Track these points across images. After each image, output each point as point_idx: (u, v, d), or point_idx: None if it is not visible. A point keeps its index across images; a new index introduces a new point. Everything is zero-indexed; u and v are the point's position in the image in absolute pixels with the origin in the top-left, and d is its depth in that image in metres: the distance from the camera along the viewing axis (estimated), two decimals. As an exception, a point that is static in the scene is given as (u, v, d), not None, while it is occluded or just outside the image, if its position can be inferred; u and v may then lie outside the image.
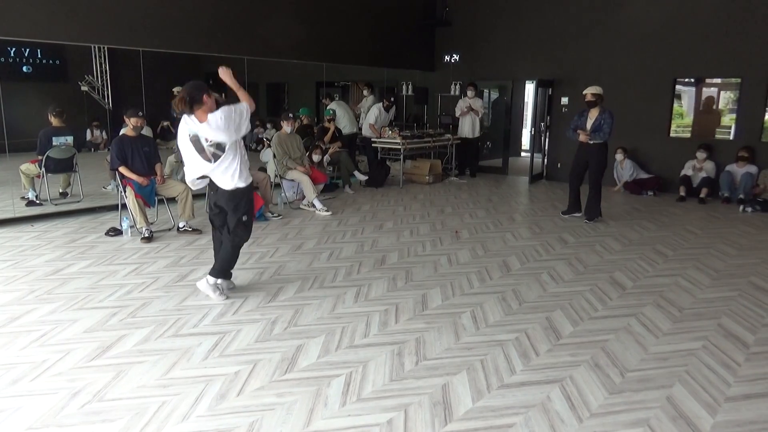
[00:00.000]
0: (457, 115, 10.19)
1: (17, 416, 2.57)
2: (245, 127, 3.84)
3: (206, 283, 4.09)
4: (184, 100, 3.67)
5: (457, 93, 10.79)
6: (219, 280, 4.12)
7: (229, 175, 3.88)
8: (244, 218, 4.00)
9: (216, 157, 3.81)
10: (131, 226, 5.78)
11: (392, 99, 9.84)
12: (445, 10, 10.99)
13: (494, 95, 12.05)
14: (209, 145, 3.78)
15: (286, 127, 7.18)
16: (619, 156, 8.92)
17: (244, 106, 3.81)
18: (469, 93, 10.04)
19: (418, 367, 3.09)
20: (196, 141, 3.78)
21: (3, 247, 5.35)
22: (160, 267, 4.81)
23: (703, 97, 9.06)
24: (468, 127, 10.07)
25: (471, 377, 2.98)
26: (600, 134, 6.52)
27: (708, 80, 8.94)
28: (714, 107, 9.08)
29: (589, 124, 6.62)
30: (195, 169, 3.89)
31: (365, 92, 10.59)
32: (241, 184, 3.92)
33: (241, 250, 4.18)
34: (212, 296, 4.08)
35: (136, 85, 7.25)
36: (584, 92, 6.67)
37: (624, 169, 8.97)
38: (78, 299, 4.04)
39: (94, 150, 8.21)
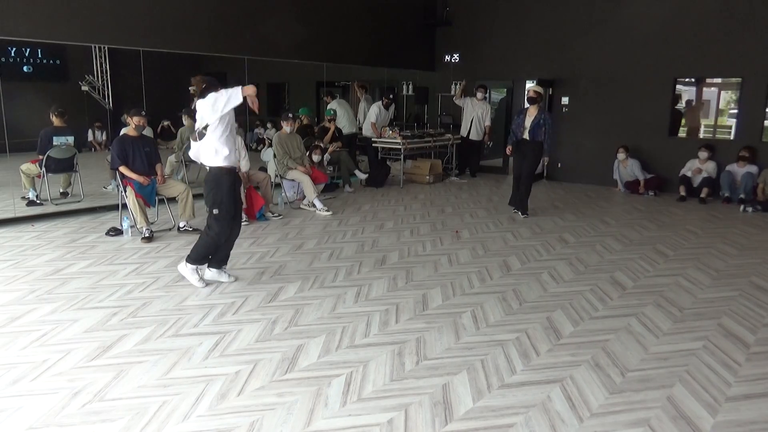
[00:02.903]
0: (456, 101, 10.15)
1: (18, 416, 2.57)
2: (222, 107, 3.89)
3: (184, 267, 4.33)
4: (202, 83, 4.02)
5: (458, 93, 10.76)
6: (196, 266, 4.32)
7: (213, 150, 4.03)
8: (215, 211, 4.13)
9: (202, 136, 4.04)
10: (132, 226, 5.78)
11: (391, 96, 9.81)
12: (445, 10, 10.98)
13: (495, 95, 12.01)
14: (199, 127, 4.04)
15: (286, 127, 7.18)
16: (621, 155, 8.84)
17: (235, 90, 3.87)
18: (479, 95, 9.98)
19: (418, 367, 3.09)
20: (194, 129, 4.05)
21: (3, 246, 5.35)
22: (161, 267, 4.81)
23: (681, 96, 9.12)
24: (474, 130, 10.06)
25: (471, 377, 2.98)
26: (541, 133, 6.78)
27: (708, 80, 8.95)
28: (695, 106, 9.14)
29: (528, 122, 6.88)
30: (193, 150, 4.18)
31: (359, 93, 10.54)
32: (222, 163, 4.06)
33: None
34: (191, 280, 4.31)
35: (137, 85, 7.26)
36: (528, 89, 7.03)
37: (626, 168, 8.88)
38: (78, 299, 4.04)
39: (95, 150, 8.21)
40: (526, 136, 6.91)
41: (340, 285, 4.44)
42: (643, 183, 8.72)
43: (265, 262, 4.98)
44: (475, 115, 9.98)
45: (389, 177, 9.46)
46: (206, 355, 3.21)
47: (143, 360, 3.13)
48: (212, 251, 4.29)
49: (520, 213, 7.07)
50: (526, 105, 7.16)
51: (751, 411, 2.69)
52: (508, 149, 7.18)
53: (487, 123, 10.01)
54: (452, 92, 10.78)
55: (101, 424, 2.52)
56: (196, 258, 4.27)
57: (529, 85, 7.02)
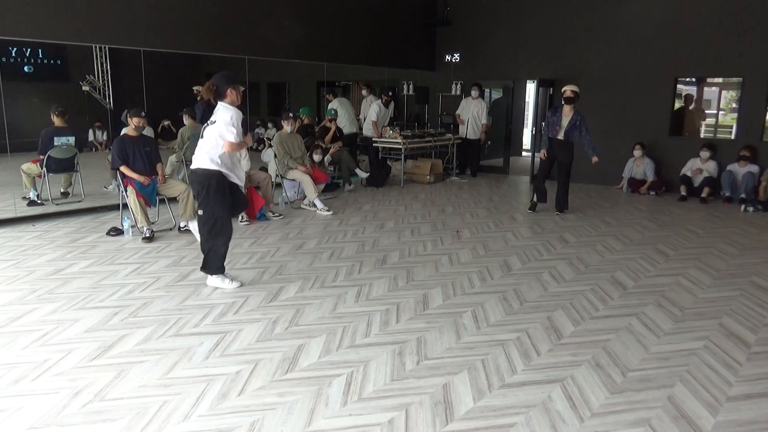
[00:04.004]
0: (458, 113, 10.18)
1: (19, 416, 2.57)
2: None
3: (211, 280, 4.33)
4: (211, 89, 4.02)
5: (458, 93, 10.78)
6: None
7: (204, 152, 4.06)
8: (200, 212, 4.16)
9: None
10: (132, 226, 5.78)
11: (390, 94, 9.81)
12: (446, 10, 10.98)
13: (494, 95, 12.02)
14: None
15: (287, 127, 7.19)
16: (637, 152, 8.77)
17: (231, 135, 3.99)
18: (473, 93, 10.01)
19: (419, 367, 3.09)
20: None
21: (4, 246, 5.35)
22: (162, 266, 4.81)
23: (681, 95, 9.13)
24: (471, 128, 10.07)
25: (472, 377, 2.98)
26: (576, 134, 6.85)
27: (709, 79, 8.93)
28: (692, 105, 9.13)
29: (565, 122, 6.91)
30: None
31: (364, 92, 10.55)
32: (208, 166, 4.04)
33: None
34: (225, 287, 4.28)
35: (138, 84, 7.25)
36: (564, 89, 6.98)
37: (639, 166, 8.81)
38: (79, 299, 4.04)
39: (95, 150, 8.22)
40: (560, 136, 6.92)
41: (340, 285, 4.44)
42: (648, 184, 8.71)
43: (265, 262, 4.98)
44: (471, 114, 9.99)
45: (390, 177, 9.46)
46: (207, 354, 3.21)
47: (144, 360, 3.13)
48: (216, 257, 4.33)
49: (556, 211, 7.20)
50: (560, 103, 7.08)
51: (752, 411, 2.69)
52: (543, 153, 7.11)
53: (484, 121, 10.01)
54: (452, 92, 10.80)
55: (102, 424, 2.52)
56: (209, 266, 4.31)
57: (567, 86, 6.93)
